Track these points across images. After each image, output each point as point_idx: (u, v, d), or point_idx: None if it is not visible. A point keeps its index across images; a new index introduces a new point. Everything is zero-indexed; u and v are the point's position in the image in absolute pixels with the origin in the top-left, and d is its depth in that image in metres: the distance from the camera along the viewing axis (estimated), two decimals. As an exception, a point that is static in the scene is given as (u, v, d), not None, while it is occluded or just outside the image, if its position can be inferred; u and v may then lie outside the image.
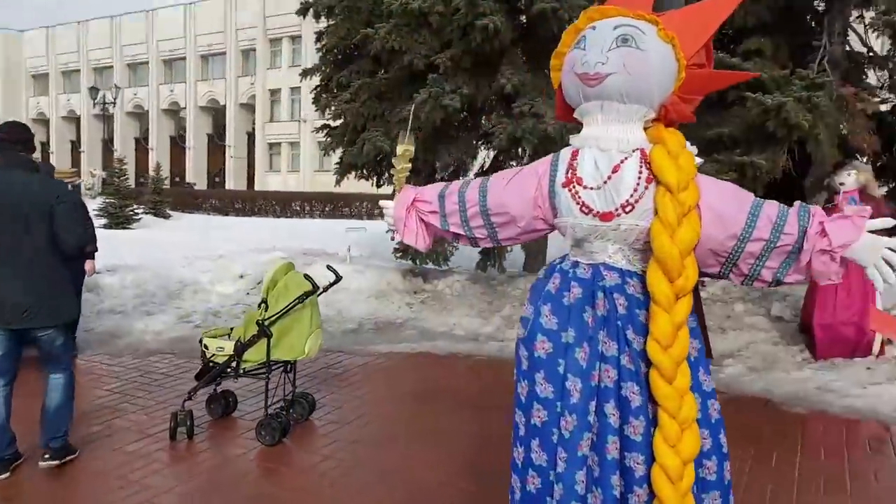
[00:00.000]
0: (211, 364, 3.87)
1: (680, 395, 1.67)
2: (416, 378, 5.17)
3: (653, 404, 1.71)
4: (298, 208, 27.25)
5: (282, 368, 3.99)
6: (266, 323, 3.77)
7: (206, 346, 3.87)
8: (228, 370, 3.85)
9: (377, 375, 5.31)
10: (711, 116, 7.17)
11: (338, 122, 8.26)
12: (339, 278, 4.14)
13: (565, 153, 1.87)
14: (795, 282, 1.76)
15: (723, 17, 1.79)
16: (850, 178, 5.49)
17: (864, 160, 6.17)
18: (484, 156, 8.08)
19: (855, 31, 7.66)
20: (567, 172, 1.81)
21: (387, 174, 9.31)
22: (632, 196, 1.72)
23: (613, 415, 1.74)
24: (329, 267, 4.19)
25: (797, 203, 1.74)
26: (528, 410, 1.83)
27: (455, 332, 6.60)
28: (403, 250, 7.48)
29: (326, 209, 26.90)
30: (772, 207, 1.73)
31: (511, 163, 8.83)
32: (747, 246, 1.72)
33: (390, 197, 2.09)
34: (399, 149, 2.11)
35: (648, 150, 1.76)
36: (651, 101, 1.77)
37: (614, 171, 1.75)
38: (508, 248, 7.58)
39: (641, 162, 1.75)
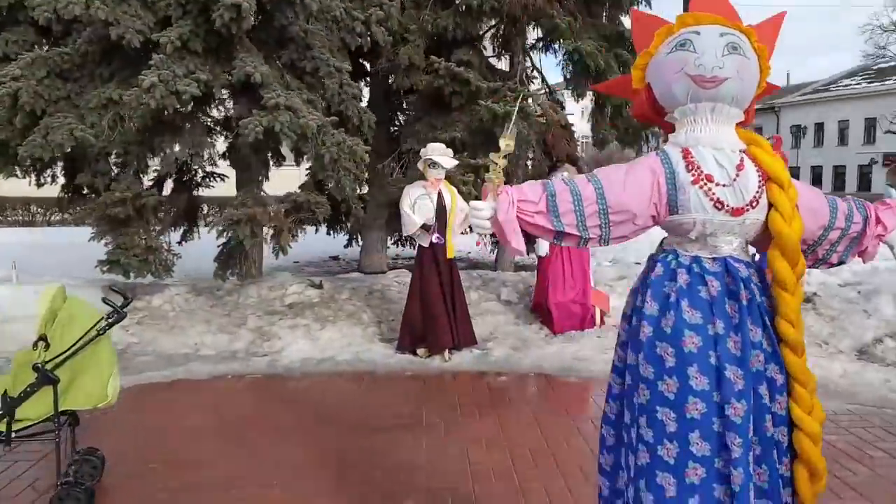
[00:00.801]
0: (-41, 434, 2.68)
1: (805, 366, 1.84)
2: (196, 409, 4.37)
3: (787, 379, 1.85)
4: None
5: (67, 422, 2.98)
6: (49, 366, 2.77)
7: (-51, 410, 2.66)
8: (-9, 437, 2.72)
9: (142, 414, 4.31)
10: (436, 120, 7.67)
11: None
12: (129, 300, 3.24)
13: (673, 152, 1.89)
14: (847, 262, 2.08)
15: (779, 30, 2.01)
16: (564, 177, 6.40)
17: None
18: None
19: (529, 54, 8.99)
20: (690, 170, 1.84)
21: (51, 170, 7.63)
22: (757, 192, 1.84)
23: (766, 395, 1.83)
24: (113, 288, 3.28)
25: (848, 197, 2.06)
26: (682, 405, 1.79)
27: (203, 352, 5.76)
28: (114, 262, 6.18)
29: None
30: (840, 202, 2.03)
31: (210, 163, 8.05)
32: (829, 234, 1.99)
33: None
34: (502, 143, 1.89)
35: (744, 150, 1.90)
36: (746, 105, 1.93)
37: (739, 168, 1.85)
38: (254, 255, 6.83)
39: (752, 161, 1.88)
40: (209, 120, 7.02)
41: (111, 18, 5.77)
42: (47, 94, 6.25)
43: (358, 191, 6.68)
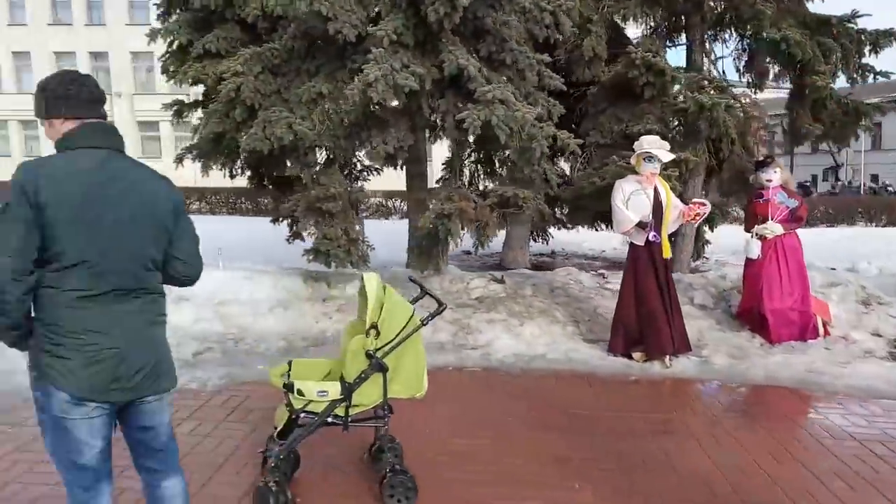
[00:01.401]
0: (304, 414, 2.75)
1: None
2: (436, 400, 4.26)
3: None
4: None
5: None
6: (378, 354, 2.80)
7: (299, 392, 2.73)
8: (331, 420, 2.78)
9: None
10: (622, 112, 7.41)
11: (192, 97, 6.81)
12: (425, 292, 3.24)
13: None
14: None
15: None
16: (777, 175, 5.98)
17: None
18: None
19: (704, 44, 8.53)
20: None
21: (239, 163, 7.97)
22: None
23: None
24: (412, 279, 3.30)
25: None
26: None
27: (410, 342, 5.81)
28: (321, 252, 6.36)
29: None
30: None
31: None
32: None
33: None
34: None
35: None
36: None
37: None
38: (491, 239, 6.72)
39: None
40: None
41: (331, 14, 5.92)
42: (262, 89, 6.52)
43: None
